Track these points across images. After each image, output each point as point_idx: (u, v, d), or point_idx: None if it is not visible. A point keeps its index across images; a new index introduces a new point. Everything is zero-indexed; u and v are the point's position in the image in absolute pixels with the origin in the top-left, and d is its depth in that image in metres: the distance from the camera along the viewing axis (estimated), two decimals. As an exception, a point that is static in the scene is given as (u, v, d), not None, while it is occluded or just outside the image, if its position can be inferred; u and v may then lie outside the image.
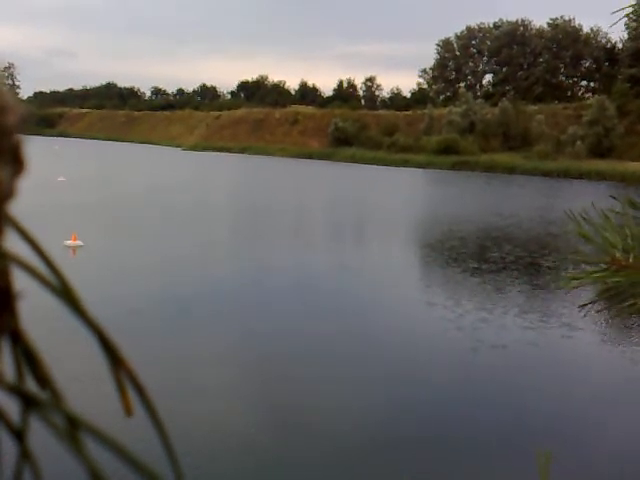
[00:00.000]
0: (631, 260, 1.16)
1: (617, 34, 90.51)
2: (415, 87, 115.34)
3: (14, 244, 0.31)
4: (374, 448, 7.67)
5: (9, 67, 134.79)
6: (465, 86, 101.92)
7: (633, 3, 1.22)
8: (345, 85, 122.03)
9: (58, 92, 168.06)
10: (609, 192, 46.46)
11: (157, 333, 11.49)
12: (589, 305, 1.20)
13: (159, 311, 13.03)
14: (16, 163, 0.31)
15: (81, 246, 18.38)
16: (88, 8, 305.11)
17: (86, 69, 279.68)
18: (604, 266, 1.16)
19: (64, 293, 0.32)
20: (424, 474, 7.20)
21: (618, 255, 1.16)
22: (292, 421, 8.34)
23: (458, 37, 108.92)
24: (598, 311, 1.19)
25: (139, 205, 29.88)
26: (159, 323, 12.14)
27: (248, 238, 22.81)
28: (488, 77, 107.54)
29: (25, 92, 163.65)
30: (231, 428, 8.04)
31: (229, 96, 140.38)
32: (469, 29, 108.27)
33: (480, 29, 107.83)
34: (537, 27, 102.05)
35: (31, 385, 0.31)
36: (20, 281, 0.32)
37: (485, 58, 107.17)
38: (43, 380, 0.32)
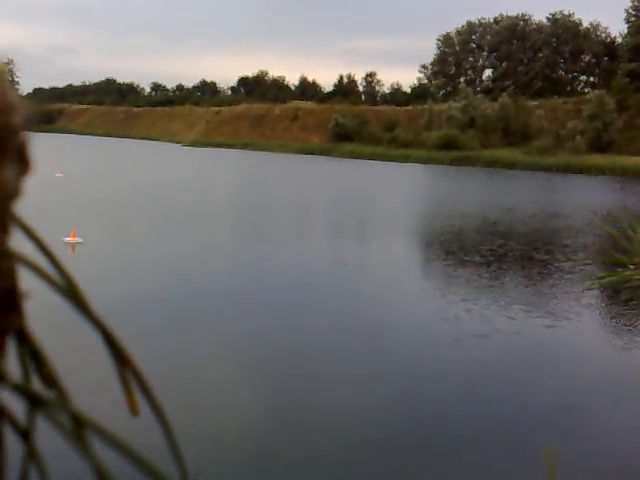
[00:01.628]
0: None
1: (616, 29, 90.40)
2: (415, 82, 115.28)
3: (20, 244, 0.31)
4: (375, 444, 7.69)
5: (8, 63, 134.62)
6: (465, 81, 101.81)
7: None
8: (345, 80, 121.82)
9: (57, 88, 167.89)
10: (609, 186, 46.49)
11: (157, 330, 11.50)
12: (622, 303, 1.19)
13: (158, 308, 13.04)
14: (22, 162, 0.31)
15: (80, 243, 18.39)
16: (89, 5, 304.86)
17: (87, 65, 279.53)
18: (633, 267, 1.14)
19: (70, 293, 0.32)
20: (425, 470, 7.23)
21: None
22: (295, 418, 8.37)
23: (458, 32, 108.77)
24: (633, 310, 1.18)
25: (138, 202, 29.88)
26: (158, 320, 12.15)
27: (249, 235, 22.82)
28: (488, 72, 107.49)
29: (25, 88, 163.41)
30: (236, 426, 8.06)
31: (229, 92, 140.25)
32: (469, 24, 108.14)
33: (480, 24, 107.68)
34: (537, 22, 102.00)
35: (37, 385, 0.31)
36: (26, 281, 0.33)
37: (485, 53, 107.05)
38: (49, 380, 0.32)
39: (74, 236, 18.55)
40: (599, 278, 1.19)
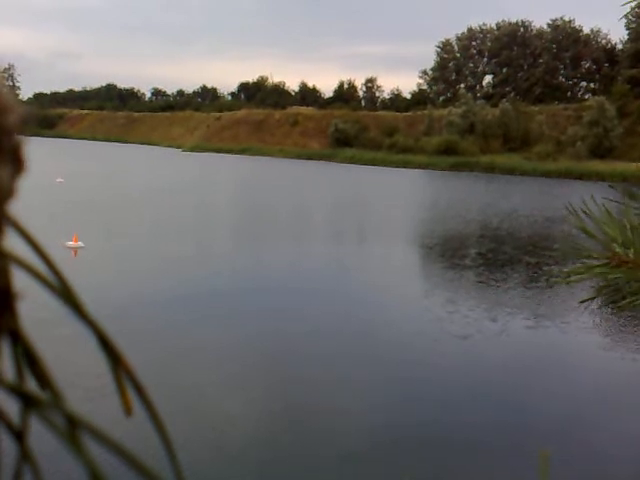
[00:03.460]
0: (631, 255, 1.14)
1: (617, 35, 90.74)
2: (415, 88, 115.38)
3: (14, 244, 0.31)
4: (374, 447, 7.69)
5: (9, 68, 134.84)
6: (465, 87, 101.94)
7: (633, 4, 1.19)
8: (345, 86, 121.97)
9: (58, 93, 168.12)
10: (609, 192, 46.43)
11: (158, 334, 11.51)
12: (589, 301, 1.18)
13: (159, 311, 13.05)
14: (16, 163, 0.31)
15: (82, 247, 18.41)
16: (90, 10, 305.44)
17: (88, 71, 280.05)
18: (604, 261, 1.14)
19: (64, 293, 0.32)
20: (424, 473, 7.22)
21: (618, 250, 1.14)
22: (292, 420, 8.36)
23: (458, 38, 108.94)
24: (599, 307, 1.17)
25: (139, 206, 29.90)
26: (159, 324, 12.15)
27: (249, 240, 22.84)
28: (488, 78, 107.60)
29: (25, 93, 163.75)
30: (231, 428, 8.05)
31: (229, 97, 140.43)
32: (470, 30, 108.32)
33: (481, 30, 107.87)
34: (537, 28, 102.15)
35: (31, 385, 0.31)
36: (20, 281, 0.32)
37: (485, 59, 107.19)
38: (43, 380, 0.32)
39: (76, 240, 18.57)
40: (570, 273, 1.19)
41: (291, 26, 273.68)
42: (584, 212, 1.17)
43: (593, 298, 1.17)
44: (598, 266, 1.14)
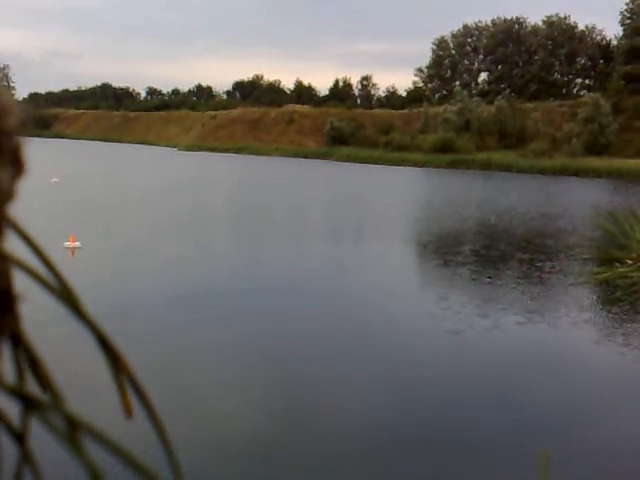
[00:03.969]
0: None
1: (612, 31, 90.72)
2: (411, 86, 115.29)
3: (14, 246, 0.32)
4: (373, 447, 7.68)
5: (4, 68, 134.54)
6: (460, 84, 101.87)
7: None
8: (341, 84, 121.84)
9: (53, 93, 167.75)
10: (605, 189, 46.59)
11: (156, 334, 11.49)
12: (615, 300, 1.20)
13: (158, 312, 13.03)
14: (16, 165, 0.31)
15: (79, 247, 18.38)
16: (90, 10, 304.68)
17: (86, 71, 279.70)
18: (630, 262, 1.16)
19: (64, 295, 0.32)
20: (424, 473, 7.22)
21: None
22: (292, 420, 8.36)
23: (454, 35, 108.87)
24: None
25: (136, 206, 29.86)
26: (158, 324, 12.14)
27: (246, 239, 22.83)
28: (484, 75, 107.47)
29: (20, 93, 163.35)
30: (230, 428, 8.05)
31: (225, 96, 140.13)
32: (465, 27, 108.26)
33: (477, 27, 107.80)
34: (532, 25, 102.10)
35: (32, 387, 0.31)
36: (21, 283, 0.33)
37: (481, 56, 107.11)
38: (43, 382, 0.32)
39: (73, 240, 18.55)
40: (594, 274, 1.21)
41: (291, 26, 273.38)
42: (611, 215, 1.20)
43: (620, 298, 1.20)
44: (623, 266, 1.16)
